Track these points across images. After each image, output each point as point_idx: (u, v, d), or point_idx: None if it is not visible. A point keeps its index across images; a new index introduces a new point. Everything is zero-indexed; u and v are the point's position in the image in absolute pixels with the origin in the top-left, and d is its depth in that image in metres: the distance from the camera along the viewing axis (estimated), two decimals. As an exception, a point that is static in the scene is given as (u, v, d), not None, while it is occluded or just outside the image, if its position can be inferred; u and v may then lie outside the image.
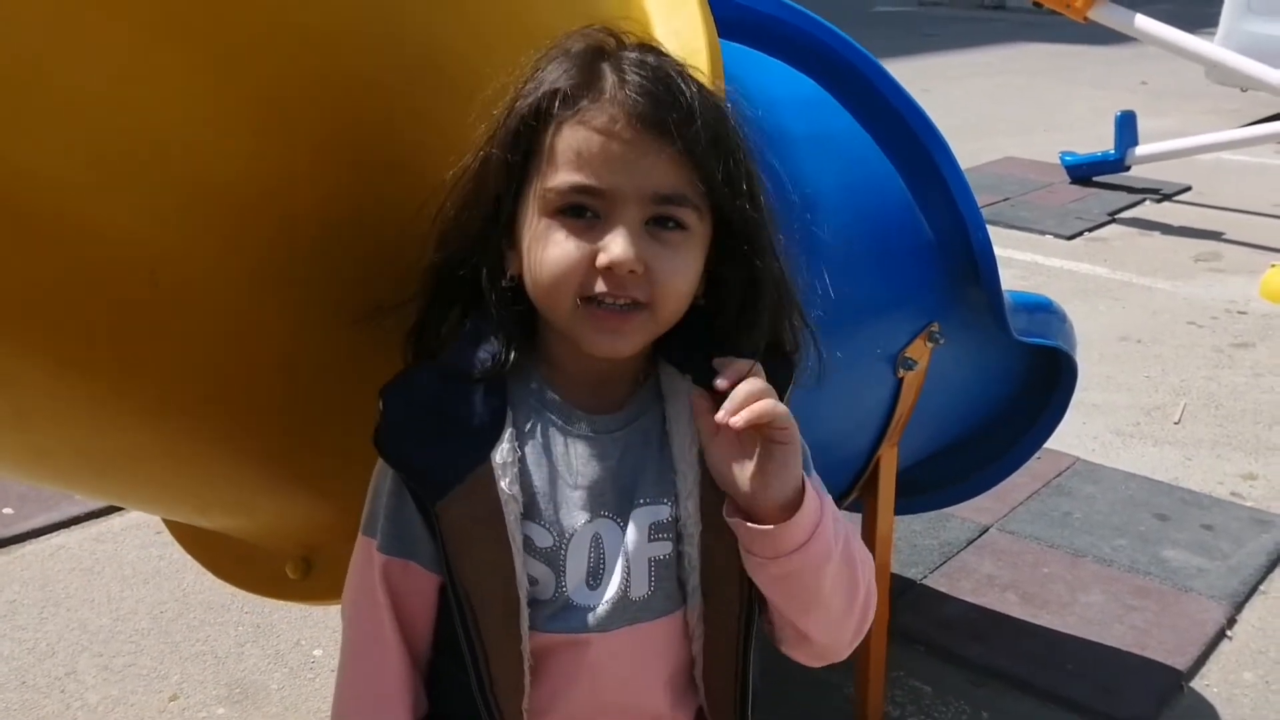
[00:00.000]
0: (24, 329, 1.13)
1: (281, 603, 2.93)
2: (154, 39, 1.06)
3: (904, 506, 2.76)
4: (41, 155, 1.04)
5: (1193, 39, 6.22)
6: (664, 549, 1.13)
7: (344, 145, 1.21)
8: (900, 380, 2.03)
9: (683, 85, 1.02)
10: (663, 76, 1.02)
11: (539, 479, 1.10)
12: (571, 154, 1.01)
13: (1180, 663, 2.71)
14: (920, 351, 2.02)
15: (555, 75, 1.04)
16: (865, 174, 2.00)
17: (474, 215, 1.08)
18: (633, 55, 1.04)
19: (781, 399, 1.15)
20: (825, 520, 1.13)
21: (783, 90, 1.97)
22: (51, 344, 1.16)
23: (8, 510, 3.43)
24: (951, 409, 2.43)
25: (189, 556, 2.98)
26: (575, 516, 1.11)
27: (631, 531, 1.12)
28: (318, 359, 1.36)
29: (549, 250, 1.03)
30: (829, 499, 1.17)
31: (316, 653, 2.82)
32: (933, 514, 3.25)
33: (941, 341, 2.03)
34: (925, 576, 3.05)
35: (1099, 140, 7.33)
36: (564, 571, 1.11)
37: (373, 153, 1.23)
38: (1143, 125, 6.99)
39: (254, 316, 1.29)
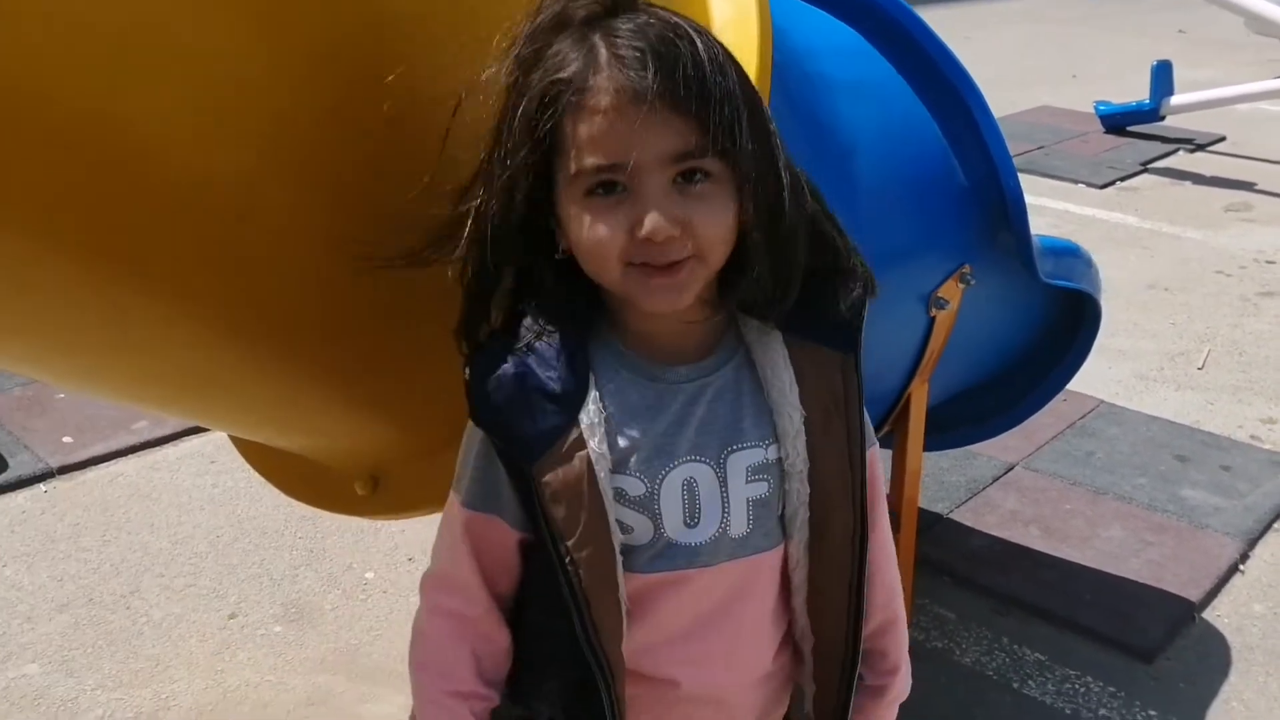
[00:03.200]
0: (136, 261, 1.25)
1: (334, 529, 3.09)
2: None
3: (933, 443, 2.86)
4: (143, 104, 1.15)
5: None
6: (761, 489, 1.19)
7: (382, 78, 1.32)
8: (932, 319, 2.12)
9: (677, 45, 1.05)
10: (655, 40, 1.04)
11: (627, 434, 1.16)
12: (585, 138, 1.05)
13: (1193, 594, 2.82)
14: (952, 292, 2.11)
15: (557, 60, 1.07)
16: (903, 120, 2.08)
17: (514, 209, 1.13)
18: (625, 26, 1.06)
19: (862, 319, 1.22)
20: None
21: (824, 39, 2.06)
22: (161, 274, 1.27)
23: (67, 439, 3.58)
24: (980, 349, 2.52)
25: (241, 485, 3.13)
26: (665, 463, 1.16)
27: (729, 474, 1.18)
28: (388, 290, 1.47)
29: (586, 233, 1.08)
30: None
31: (369, 575, 2.96)
32: (960, 452, 3.35)
33: (973, 282, 2.12)
34: (952, 511, 3.16)
35: (1136, 89, 7.31)
36: (660, 515, 1.17)
37: (413, 87, 1.34)
38: (1181, 75, 6.97)
39: (332, 249, 1.40)
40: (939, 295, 2.09)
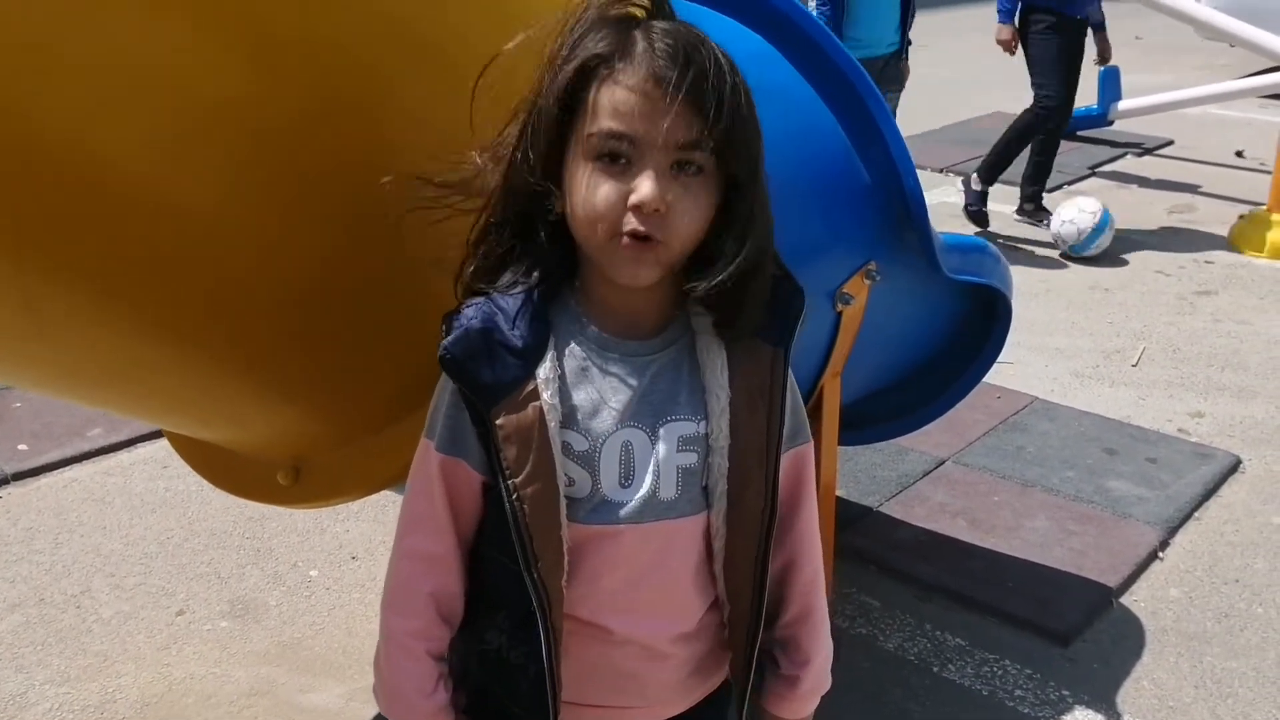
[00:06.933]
0: (47, 253, 1.32)
1: (280, 529, 3.16)
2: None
3: (856, 438, 2.95)
4: (54, 102, 1.23)
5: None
6: (690, 459, 1.33)
7: (335, 103, 1.41)
8: (839, 315, 2.21)
9: (702, 51, 1.19)
10: (685, 43, 1.19)
11: (576, 394, 1.29)
12: (609, 107, 1.19)
13: (1112, 580, 2.92)
14: (858, 288, 2.20)
15: (595, 41, 1.21)
16: (809, 124, 2.17)
17: (530, 161, 1.27)
18: (661, 26, 1.21)
19: (798, 319, 1.36)
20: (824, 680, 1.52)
21: (733, 45, 2.11)
22: (71, 266, 1.35)
23: (23, 447, 3.64)
24: (896, 345, 2.61)
25: (192, 488, 3.19)
26: (607, 426, 1.30)
27: (662, 442, 1.32)
28: (311, 289, 1.55)
29: (590, 190, 1.21)
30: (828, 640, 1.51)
31: (312, 574, 3.03)
32: (892, 448, 3.45)
33: (878, 279, 2.21)
34: (881, 504, 3.25)
35: (1095, 95, 7.42)
36: (599, 472, 1.31)
37: (363, 111, 1.43)
38: (1136, 80, 7.11)
39: (254, 248, 1.48)
40: (844, 291, 2.18)
